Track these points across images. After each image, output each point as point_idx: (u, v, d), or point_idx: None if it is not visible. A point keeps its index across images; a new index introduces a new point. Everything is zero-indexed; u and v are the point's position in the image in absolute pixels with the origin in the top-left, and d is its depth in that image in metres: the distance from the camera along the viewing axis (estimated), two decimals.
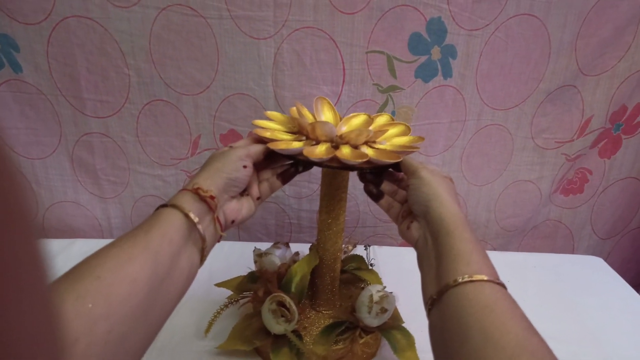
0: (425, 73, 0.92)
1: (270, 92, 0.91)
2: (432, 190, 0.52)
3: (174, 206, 0.46)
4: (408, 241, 0.55)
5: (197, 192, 0.48)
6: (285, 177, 0.59)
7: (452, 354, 0.39)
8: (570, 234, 1.15)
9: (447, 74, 0.92)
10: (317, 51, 0.88)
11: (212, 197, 0.49)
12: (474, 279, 0.41)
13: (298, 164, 0.59)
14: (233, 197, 0.54)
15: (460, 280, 0.41)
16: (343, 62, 0.89)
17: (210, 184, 0.50)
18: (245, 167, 0.53)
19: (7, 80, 0.87)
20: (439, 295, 0.43)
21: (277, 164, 0.60)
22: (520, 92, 0.96)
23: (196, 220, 0.46)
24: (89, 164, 0.97)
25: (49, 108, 0.90)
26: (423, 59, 0.90)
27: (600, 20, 0.89)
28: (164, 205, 0.47)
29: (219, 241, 0.52)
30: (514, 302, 0.41)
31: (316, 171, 0.89)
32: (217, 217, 0.50)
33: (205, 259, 0.50)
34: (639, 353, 0.74)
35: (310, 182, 1.01)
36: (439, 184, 0.53)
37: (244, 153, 0.54)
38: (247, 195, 0.57)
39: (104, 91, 0.90)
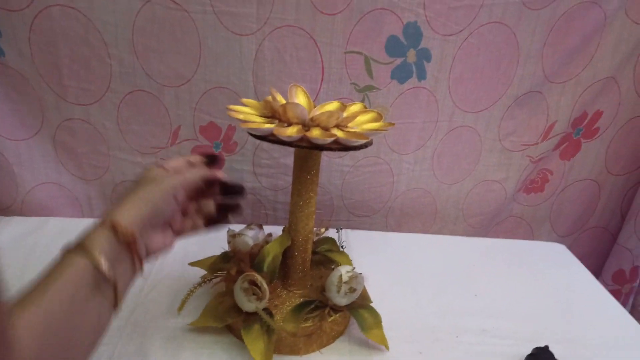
0: (400, 74, 0.95)
1: (251, 87, 0.94)
2: None
3: (84, 249, 0.41)
4: None
5: (115, 230, 0.43)
6: (211, 223, 0.55)
7: None
8: (531, 230, 1.20)
9: (422, 76, 0.96)
10: (298, 49, 0.91)
11: (133, 239, 0.44)
12: None
13: (229, 208, 0.56)
14: (156, 227, 0.49)
15: None
16: (322, 61, 0.92)
17: (134, 215, 0.45)
18: (176, 197, 0.49)
19: None
20: None
21: (211, 196, 0.56)
22: (490, 96, 1.00)
23: (107, 269, 0.41)
24: (71, 147, 0.98)
25: (31, 92, 0.91)
26: (399, 61, 0.94)
27: (567, 30, 0.93)
28: (75, 245, 0.42)
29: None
30: None
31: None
32: (137, 253, 0.45)
33: (120, 303, 0.45)
34: (594, 333, 0.79)
35: (286, 174, 1.03)
36: None
37: (179, 182, 0.49)
38: (167, 228, 0.52)
39: (85, 79, 0.91)
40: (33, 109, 0.93)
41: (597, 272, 1.17)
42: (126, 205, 0.45)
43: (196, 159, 0.55)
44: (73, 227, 0.93)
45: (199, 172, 0.52)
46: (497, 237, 1.16)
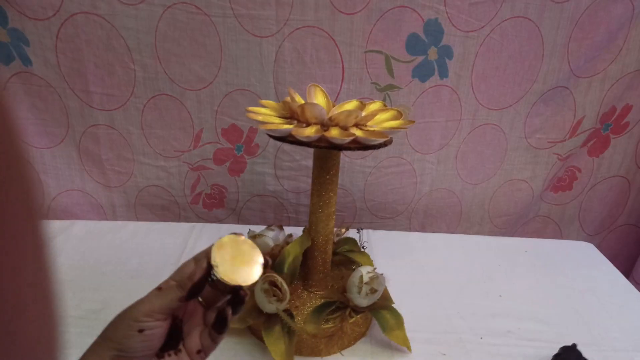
0: (422, 73, 0.94)
1: (271, 89, 0.94)
2: None
3: None
4: None
5: None
6: (220, 325, 0.45)
7: None
8: (559, 230, 1.17)
9: (444, 74, 0.95)
10: (317, 50, 0.91)
11: None
12: None
13: (235, 302, 0.46)
14: None
15: None
16: (342, 61, 0.92)
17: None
18: (141, 330, 0.39)
19: (17, 73, 0.90)
20: None
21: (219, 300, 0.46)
22: (514, 92, 0.98)
23: None
24: (95, 154, 1.00)
25: (57, 100, 0.93)
26: (420, 59, 0.93)
27: (593, 24, 0.91)
28: None
29: None
30: None
31: None
32: None
33: None
34: (625, 335, 0.76)
35: (308, 177, 1.03)
36: None
37: (145, 309, 0.40)
38: (179, 351, 0.43)
39: (110, 85, 0.93)
40: (58, 117, 0.96)
41: (627, 272, 1.14)
42: (90, 355, 0.39)
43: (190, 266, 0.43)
44: (98, 230, 0.96)
45: (176, 292, 0.41)
46: (525, 236, 1.13)
